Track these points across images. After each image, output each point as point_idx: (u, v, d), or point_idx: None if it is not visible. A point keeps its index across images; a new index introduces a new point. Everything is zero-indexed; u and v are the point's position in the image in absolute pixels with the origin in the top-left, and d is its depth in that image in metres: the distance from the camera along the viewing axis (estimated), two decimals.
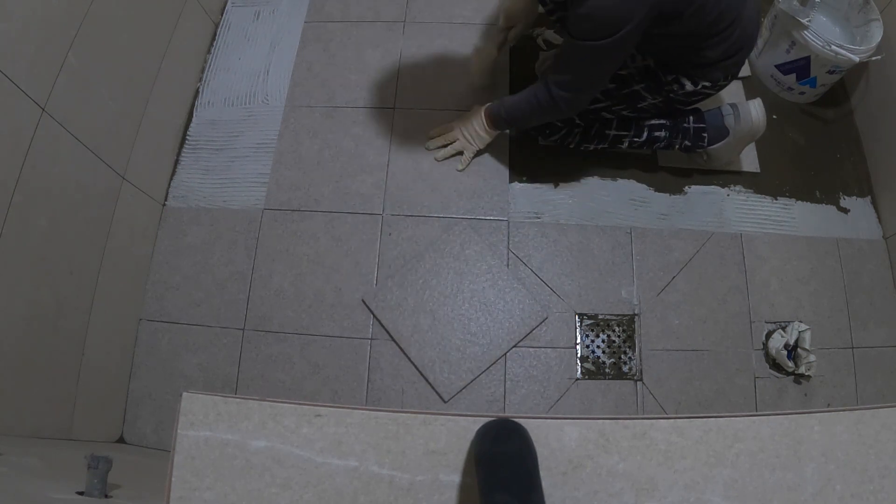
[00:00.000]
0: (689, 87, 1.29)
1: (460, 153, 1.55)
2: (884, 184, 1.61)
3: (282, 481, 0.70)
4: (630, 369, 1.42)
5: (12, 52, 1.00)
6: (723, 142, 1.46)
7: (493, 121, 1.43)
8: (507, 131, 1.60)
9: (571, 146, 1.51)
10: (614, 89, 1.34)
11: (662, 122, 1.45)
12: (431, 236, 1.50)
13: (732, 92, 1.67)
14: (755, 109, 1.43)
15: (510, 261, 1.49)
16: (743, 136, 1.46)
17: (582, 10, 1.07)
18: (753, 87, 1.72)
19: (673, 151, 1.59)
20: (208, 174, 1.60)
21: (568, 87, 1.22)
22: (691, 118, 1.45)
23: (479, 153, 1.56)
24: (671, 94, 1.31)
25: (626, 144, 1.49)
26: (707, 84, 1.29)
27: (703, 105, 1.46)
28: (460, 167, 1.55)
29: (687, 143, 1.46)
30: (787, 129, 1.69)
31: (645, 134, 1.46)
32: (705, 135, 1.45)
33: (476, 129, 1.48)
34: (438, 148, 1.57)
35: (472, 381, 1.38)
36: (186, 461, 0.70)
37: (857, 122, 1.72)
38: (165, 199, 1.57)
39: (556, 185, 1.57)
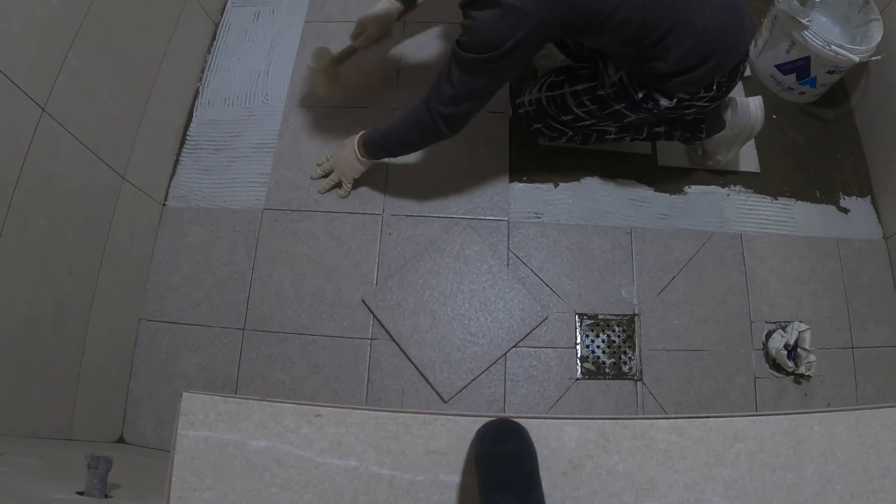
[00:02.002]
0: (664, 102, 1.21)
1: (339, 184, 1.52)
2: (884, 184, 1.61)
3: (282, 481, 0.70)
4: (630, 369, 1.42)
5: (12, 52, 1.00)
6: (720, 133, 1.46)
7: (368, 150, 1.38)
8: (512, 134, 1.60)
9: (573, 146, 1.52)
10: (596, 110, 1.32)
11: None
12: (431, 236, 1.50)
13: (732, 90, 1.67)
14: (754, 105, 1.43)
15: (510, 261, 1.49)
16: (740, 132, 1.45)
17: (467, 21, 1.06)
18: (753, 87, 1.72)
19: (673, 148, 1.60)
20: (208, 174, 1.60)
21: (448, 102, 1.17)
22: None
23: (357, 183, 1.52)
24: (654, 111, 1.25)
25: (628, 141, 1.50)
26: (685, 97, 1.21)
27: None
28: (340, 194, 1.53)
29: (686, 134, 1.46)
30: (787, 129, 1.69)
31: (645, 132, 1.47)
32: (703, 126, 1.44)
33: (348, 160, 1.43)
34: (320, 179, 1.54)
35: (472, 381, 1.38)
36: (186, 461, 0.70)
37: (857, 122, 1.72)
38: (165, 199, 1.57)
39: (556, 185, 1.57)
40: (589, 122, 1.38)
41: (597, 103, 1.31)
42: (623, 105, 1.27)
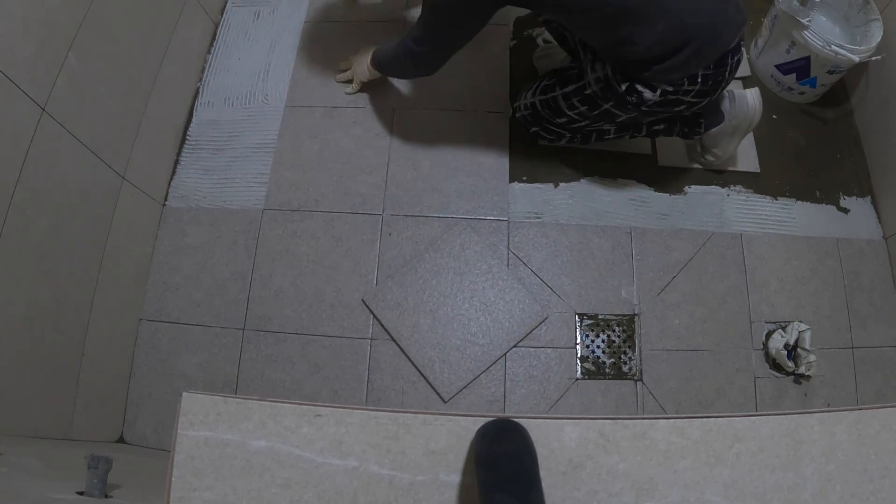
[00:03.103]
0: (647, 94, 1.19)
1: (350, 81, 1.66)
2: (884, 184, 1.61)
3: (282, 481, 0.70)
4: (630, 369, 1.42)
5: (12, 52, 1.00)
6: (719, 127, 1.46)
7: (374, 63, 1.51)
8: (516, 131, 1.60)
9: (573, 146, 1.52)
10: (587, 111, 1.32)
11: None
12: (431, 236, 1.50)
13: (732, 87, 1.66)
14: (752, 96, 1.42)
15: (510, 261, 1.49)
16: (739, 124, 1.45)
17: None
18: (752, 84, 1.72)
19: (673, 148, 1.60)
20: (208, 174, 1.60)
21: (418, 41, 1.29)
22: None
23: (366, 86, 1.64)
24: (642, 107, 1.23)
25: (627, 138, 1.50)
26: (669, 89, 1.18)
27: None
28: (348, 91, 1.66)
29: (685, 129, 1.46)
30: (787, 129, 1.69)
31: (644, 129, 1.47)
32: (702, 120, 1.44)
33: (361, 63, 1.57)
34: (341, 72, 1.68)
35: (472, 381, 1.38)
36: (186, 461, 0.70)
37: (857, 122, 1.72)
38: (165, 199, 1.57)
39: (556, 185, 1.57)
40: (583, 124, 1.38)
41: (586, 104, 1.32)
42: (611, 103, 1.27)
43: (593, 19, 1.12)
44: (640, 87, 1.20)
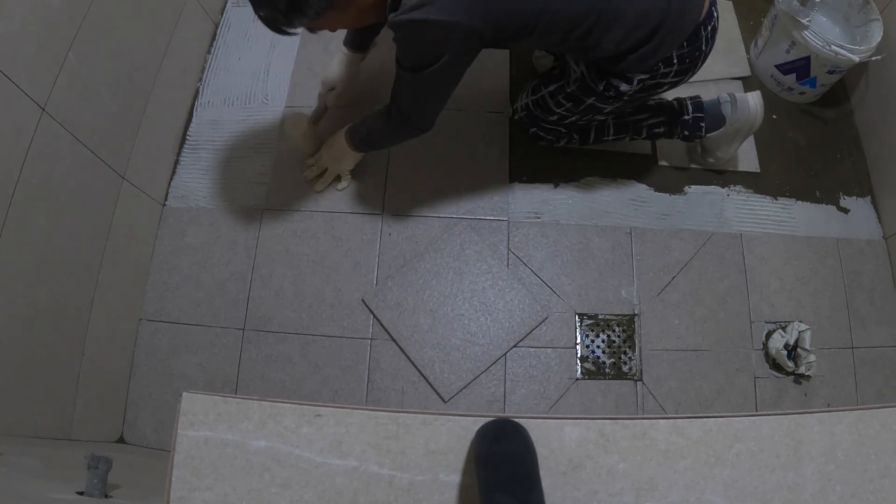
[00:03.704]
0: (624, 87, 1.19)
1: (338, 178, 1.53)
2: (884, 184, 1.61)
3: (282, 481, 0.70)
4: (630, 369, 1.42)
5: (12, 52, 1.00)
6: (720, 130, 1.46)
7: (354, 143, 1.40)
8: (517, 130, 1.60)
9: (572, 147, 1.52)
10: (572, 106, 1.32)
11: (660, 119, 1.45)
12: (431, 236, 1.50)
13: (732, 88, 1.67)
14: (753, 100, 1.42)
15: (510, 261, 1.49)
16: (740, 127, 1.45)
17: (397, 38, 1.06)
18: (753, 87, 1.72)
19: (673, 148, 1.60)
20: (208, 174, 1.60)
21: (407, 104, 1.21)
22: (690, 109, 1.45)
23: (354, 171, 1.52)
24: (624, 97, 1.23)
25: (627, 140, 1.50)
26: (644, 77, 1.18)
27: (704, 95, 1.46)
28: (339, 187, 1.54)
29: (686, 132, 1.46)
30: (787, 129, 1.69)
31: (645, 133, 1.47)
32: (703, 124, 1.44)
33: (340, 155, 1.45)
34: (316, 179, 1.53)
35: (472, 381, 1.38)
36: (186, 461, 0.70)
37: (857, 122, 1.72)
38: (165, 199, 1.57)
39: (556, 185, 1.57)
40: (574, 118, 1.38)
41: (570, 100, 1.32)
42: (593, 99, 1.27)
43: (571, 37, 1.10)
44: (615, 82, 1.20)
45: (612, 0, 1.06)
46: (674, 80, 1.22)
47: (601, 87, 1.22)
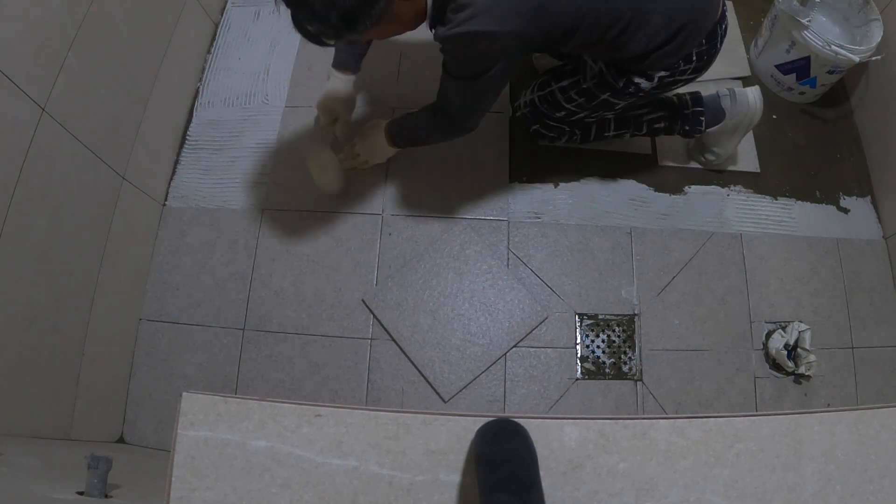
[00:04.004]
0: (644, 84, 1.21)
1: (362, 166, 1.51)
2: (884, 184, 1.61)
3: (282, 481, 0.70)
4: (630, 369, 1.42)
5: (12, 52, 1.00)
6: (719, 125, 1.46)
7: (396, 140, 1.39)
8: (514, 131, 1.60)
9: (573, 146, 1.52)
10: (585, 102, 1.33)
11: (661, 114, 1.45)
12: (431, 236, 1.50)
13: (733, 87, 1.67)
14: (752, 94, 1.43)
15: (510, 261, 1.49)
16: (740, 122, 1.45)
17: (447, 48, 1.06)
18: (752, 83, 1.72)
19: (673, 148, 1.60)
20: (208, 174, 1.60)
21: (456, 109, 1.21)
22: (690, 103, 1.45)
23: (379, 166, 1.51)
24: (640, 94, 1.25)
25: (628, 137, 1.50)
26: (664, 73, 1.20)
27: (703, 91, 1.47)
28: (348, 165, 1.51)
29: (686, 127, 1.46)
30: (787, 129, 1.69)
31: (645, 128, 1.47)
32: (703, 118, 1.44)
33: (376, 146, 1.43)
34: (350, 159, 1.50)
35: (472, 381, 1.38)
36: (186, 461, 0.70)
37: (857, 122, 1.72)
38: (165, 199, 1.57)
39: (556, 185, 1.57)
40: (582, 115, 1.38)
41: (584, 96, 1.32)
42: (608, 94, 1.27)
43: (606, 37, 1.11)
44: (636, 79, 1.21)
45: (645, 1, 1.08)
46: (690, 76, 1.25)
47: (621, 84, 1.22)
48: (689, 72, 1.22)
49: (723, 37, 1.21)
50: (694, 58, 1.19)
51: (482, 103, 1.21)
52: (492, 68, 1.07)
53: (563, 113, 1.39)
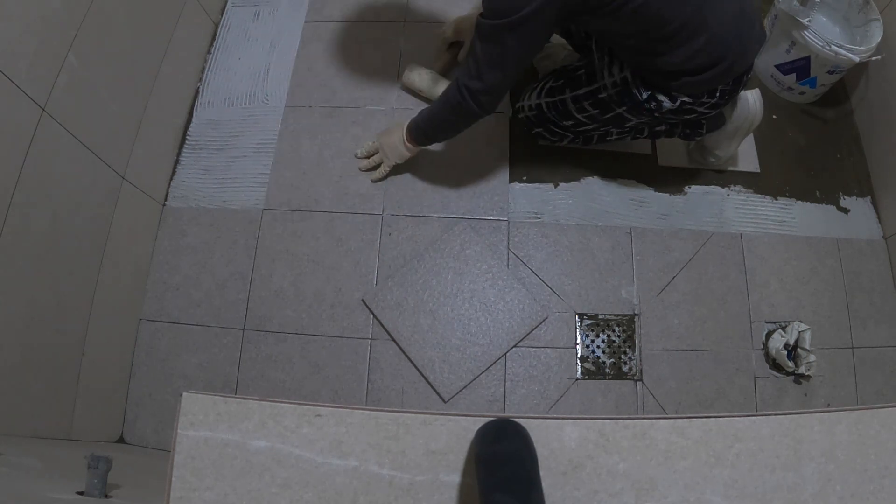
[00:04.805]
0: (667, 104, 1.21)
1: (377, 166, 1.52)
2: (884, 184, 1.61)
3: (282, 481, 0.70)
4: (630, 369, 1.42)
5: (12, 52, 1.00)
6: (719, 129, 1.46)
7: (413, 136, 1.38)
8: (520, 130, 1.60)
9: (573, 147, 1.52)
10: (598, 114, 1.32)
11: None
12: (431, 236, 1.50)
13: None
14: (752, 98, 1.42)
15: (510, 261, 1.49)
16: (740, 125, 1.45)
17: None
18: (752, 87, 1.72)
19: (673, 148, 1.60)
20: (208, 174, 1.60)
21: (474, 75, 1.16)
22: None
23: (397, 168, 1.52)
24: (655, 114, 1.25)
25: (629, 140, 1.51)
26: (688, 100, 1.20)
27: None
28: (374, 178, 1.54)
29: (687, 130, 1.46)
30: (787, 129, 1.69)
31: (646, 131, 1.47)
32: (703, 121, 1.44)
33: (395, 145, 1.43)
34: (363, 159, 1.55)
35: (472, 381, 1.38)
36: (186, 461, 0.70)
37: (857, 122, 1.72)
38: (165, 199, 1.57)
39: (556, 185, 1.57)
40: (591, 127, 1.38)
41: (598, 107, 1.31)
42: (625, 108, 1.27)
43: (646, 33, 1.09)
44: (660, 97, 1.20)
45: (700, 16, 1.06)
46: (706, 111, 1.26)
47: (644, 97, 1.21)
48: (707, 105, 1.23)
49: (744, 84, 1.24)
50: (717, 94, 1.20)
51: (504, 66, 1.14)
52: (521, 10, 1.01)
53: (571, 122, 1.39)
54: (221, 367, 1.41)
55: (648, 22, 1.06)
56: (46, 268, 1.14)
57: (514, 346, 1.41)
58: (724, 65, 1.13)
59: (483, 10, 1.08)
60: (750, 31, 1.15)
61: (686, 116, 1.28)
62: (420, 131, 1.36)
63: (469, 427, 0.72)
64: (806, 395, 1.43)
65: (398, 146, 1.42)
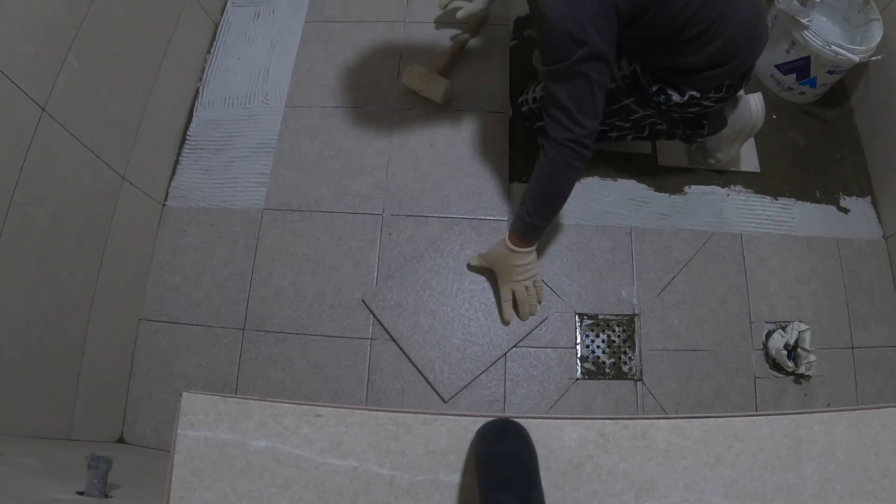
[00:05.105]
0: (675, 97, 1.21)
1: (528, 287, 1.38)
2: (884, 184, 1.61)
3: (282, 481, 0.70)
4: (630, 369, 1.42)
5: (12, 52, 1.00)
6: (720, 132, 1.46)
7: (522, 234, 1.27)
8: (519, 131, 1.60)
9: None
10: (604, 105, 1.32)
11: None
12: (431, 236, 1.50)
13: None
14: (754, 102, 1.42)
15: None
16: (741, 129, 1.45)
17: (539, 32, 1.04)
18: (753, 87, 1.72)
19: (673, 148, 1.60)
20: (208, 174, 1.60)
21: (573, 123, 1.10)
22: None
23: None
24: (662, 107, 1.25)
25: (629, 140, 1.50)
26: (696, 94, 1.20)
27: None
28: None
29: (688, 132, 1.46)
30: (787, 129, 1.69)
31: (647, 131, 1.47)
32: (705, 123, 1.44)
33: (514, 264, 1.31)
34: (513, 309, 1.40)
35: (472, 381, 1.38)
36: (186, 461, 0.70)
37: (857, 122, 1.72)
38: (165, 199, 1.57)
39: None
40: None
41: (605, 98, 1.30)
42: (632, 99, 1.27)
43: (678, 38, 1.09)
44: (669, 90, 1.21)
45: (723, 18, 1.07)
46: (712, 105, 1.26)
47: (653, 90, 1.22)
48: (713, 99, 1.23)
49: (748, 80, 1.25)
50: (724, 88, 1.21)
51: (579, 100, 1.09)
52: (575, 52, 1.00)
53: None
54: (221, 367, 1.41)
55: (680, 24, 1.06)
56: (46, 268, 1.14)
57: (514, 346, 1.41)
58: (736, 62, 1.15)
59: (546, 57, 1.06)
60: (761, 30, 1.17)
61: (691, 109, 1.27)
62: (529, 226, 1.25)
63: (469, 427, 0.72)
64: (806, 395, 1.43)
65: (518, 263, 1.31)
